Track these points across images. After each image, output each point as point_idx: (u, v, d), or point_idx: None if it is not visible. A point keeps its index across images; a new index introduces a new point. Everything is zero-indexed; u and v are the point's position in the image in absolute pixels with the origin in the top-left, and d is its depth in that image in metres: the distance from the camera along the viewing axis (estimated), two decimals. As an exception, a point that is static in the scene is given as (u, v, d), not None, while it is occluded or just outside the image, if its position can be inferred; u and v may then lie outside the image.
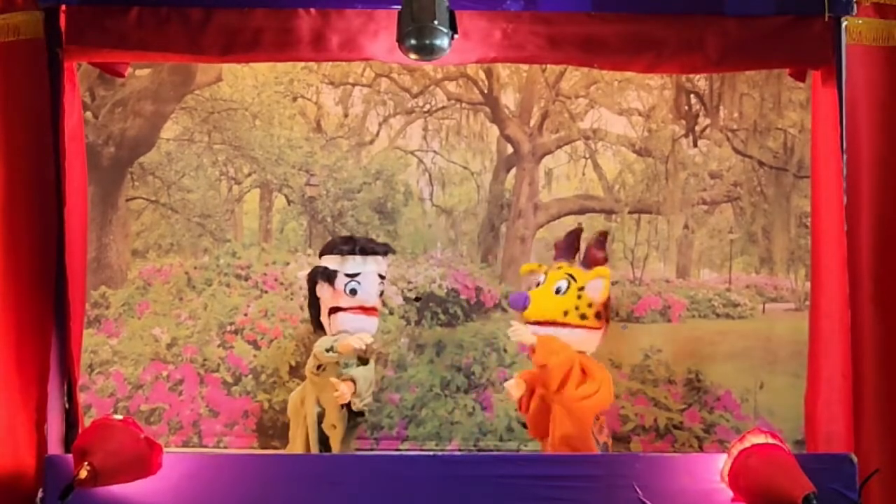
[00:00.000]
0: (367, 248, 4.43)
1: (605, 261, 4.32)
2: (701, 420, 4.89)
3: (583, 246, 4.39)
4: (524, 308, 4.23)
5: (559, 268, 4.33)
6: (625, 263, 5.06)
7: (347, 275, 4.38)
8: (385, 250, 4.48)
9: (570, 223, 5.03)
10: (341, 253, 4.42)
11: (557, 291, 4.24)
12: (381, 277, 4.44)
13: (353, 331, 4.34)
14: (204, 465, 4.01)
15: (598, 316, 4.27)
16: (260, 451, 4.76)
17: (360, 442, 4.72)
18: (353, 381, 4.27)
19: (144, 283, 4.91)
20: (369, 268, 4.40)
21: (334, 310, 4.38)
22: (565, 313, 4.23)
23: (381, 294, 4.46)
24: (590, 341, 4.30)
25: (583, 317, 4.23)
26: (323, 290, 4.40)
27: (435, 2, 3.84)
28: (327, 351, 4.26)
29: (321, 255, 4.48)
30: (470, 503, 3.94)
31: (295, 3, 4.15)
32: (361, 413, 4.36)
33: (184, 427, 4.81)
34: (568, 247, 4.40)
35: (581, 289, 4.23)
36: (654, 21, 4.20)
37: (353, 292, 4.37)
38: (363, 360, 4.42)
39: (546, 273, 4.34)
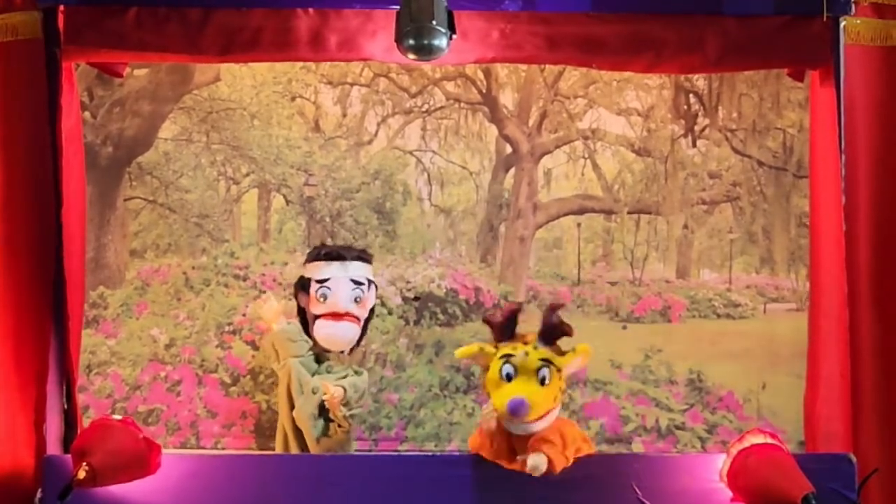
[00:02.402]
0: (332, 252, 4.41)
1: (572, 331, 3.96)
2: (703, 421, 4.88)
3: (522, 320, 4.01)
4: (526, 414, 3.82)
5: (514, 350, 3.89)
6: (624, 264, 5.05)
7: (317, 281, 4.37)
8: (357, 256, 4.44)
9: (569, 223, 5.04)
10: (311, 260, 4.43)
11: (542, 382, 3.86)
12: (357, 283, 4.39)
13: (325, 336, 4.35)
14: (203, 465, 4.01)
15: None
16: (258, 452, 4.74)
17: (358, 443, 4.73)
18: (343, 388, 4.26)
19: (142, 284, 4.91)
20: (337, 272, 4.36)
21: (314, 318, 4.38)
22: (554, 399, 3.91)
23: (358, 300, 4.38)
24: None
25: (560, 394, 3.97)
26: (302, 299, 4.42)
27: (433, 2, 3.85)
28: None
29: (304, 266, 4.49)
30: (469, 503, 3.94)
31: (293, 2, 4.15)
32: (332, 421, 4.29)
33: (182, 428, 4.80)
34: (507, 325, 3.97)
35: (559, 370, 3.91)
36: (653, 21, 4.20)
37: (324, 297, 4.36)
38: (356, 371, 4.43)
39: (504, 358, 3.88)
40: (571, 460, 3.92)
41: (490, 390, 3.91)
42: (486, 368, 3.94)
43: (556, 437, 3.90)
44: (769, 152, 5.02)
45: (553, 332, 3.92)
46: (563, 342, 3.95)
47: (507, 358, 3.87)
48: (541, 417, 3.88)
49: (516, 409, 3.78)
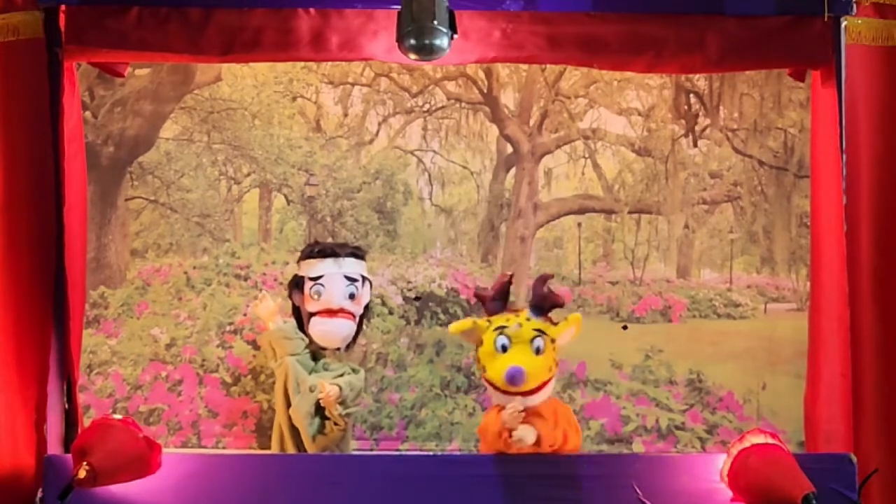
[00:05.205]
0: (325, 249, 4.42)
1: (563, 301, 4.00)
2: (703, 421, 4.88)
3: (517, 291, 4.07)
4: (523, 382, 3.82)
5: (507, 322, 3.89)
6: (625, 263, 5.05)
7: (310, 278, 4.38)
8: (350, 252, 4.44)
9: (570, 223, 5.04)
10: (304, 257, 4.44)
11: (537, 352, 3.87)
12: (351, 280, 4.39)
13: (320, 333, 4.35)
14: (204, 464, 4.01)
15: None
16: (259, 451, 4.74)
17: (359, 442, 4.73)
18: (339, 386, 4.26)
19: (143, 283, 4.91)
20: (331, 269, 4.37)
21: (309, 316, 4.39)
22: (549, 370, 3.92)
23: (353, 297, 4.38)
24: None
25: (555, 365, 3.97)
26: (296, 297, 4.43)
27: (435, 2, 3.85)
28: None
29: (297, 264, 4.50)
30: (470, 503, 3.94)
31: (295, 2, 4.15)
32: (328, 419, 4.27)
33: (183, 428, 4.81)
34: (499, 298, 3.98)
35: (553, 341, 3.92)
36: (653, 21, 4.20)
37: (318, 295, 4.36)
38: (354, 369, 4.43)
39: (498, 330, 3.87)
40: (560, 442, 3.91)
41: (485, 363, 3.91)
42: (479, 344, 3.94)
43: (549, 413, 3.92)
44: (770, 152, 5.02)
45: (544, 303, 3.95)
46: (554, 314, 3.96)
47: (501, 329, 3.88)
48: (537, 389, 3.89)
49: (513, 378, 3.80)
